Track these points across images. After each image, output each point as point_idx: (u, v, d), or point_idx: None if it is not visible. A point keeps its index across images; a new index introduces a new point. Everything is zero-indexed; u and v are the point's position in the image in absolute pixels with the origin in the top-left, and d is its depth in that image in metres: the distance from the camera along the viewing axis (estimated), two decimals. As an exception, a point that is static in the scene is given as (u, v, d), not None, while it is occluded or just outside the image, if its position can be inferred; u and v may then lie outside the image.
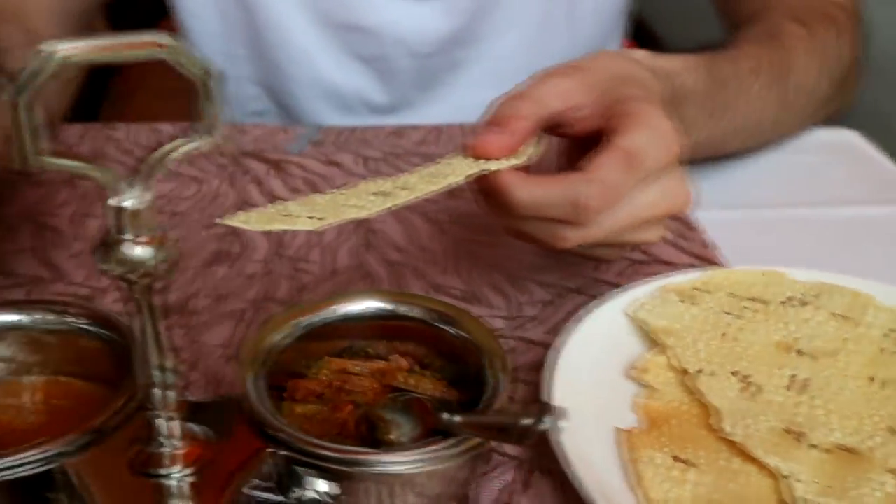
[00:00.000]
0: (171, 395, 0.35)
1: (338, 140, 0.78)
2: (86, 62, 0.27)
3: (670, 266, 0.61)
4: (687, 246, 0.64)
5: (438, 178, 0.46)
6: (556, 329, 0.54)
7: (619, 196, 0.48)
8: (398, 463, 0.36)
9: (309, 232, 0.63)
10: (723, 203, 0.68)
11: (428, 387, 0.44)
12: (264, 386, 0.40)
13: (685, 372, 0.47)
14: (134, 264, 0.31)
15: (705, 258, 0.62)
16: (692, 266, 0.61)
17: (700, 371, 0.47)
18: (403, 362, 0.45)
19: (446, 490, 0.39)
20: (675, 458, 0.42)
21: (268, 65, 0.89)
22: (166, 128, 0.79)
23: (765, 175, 0.74)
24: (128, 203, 0.30)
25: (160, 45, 0.28)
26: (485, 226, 0.65)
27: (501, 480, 0.44)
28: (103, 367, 0.43)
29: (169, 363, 0.34)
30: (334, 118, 0.90)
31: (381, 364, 0.45)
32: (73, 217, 0.65)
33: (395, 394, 0.43)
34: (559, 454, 0.41)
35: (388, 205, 0.43)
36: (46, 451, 0.35)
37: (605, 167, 0.47)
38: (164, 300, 0.53)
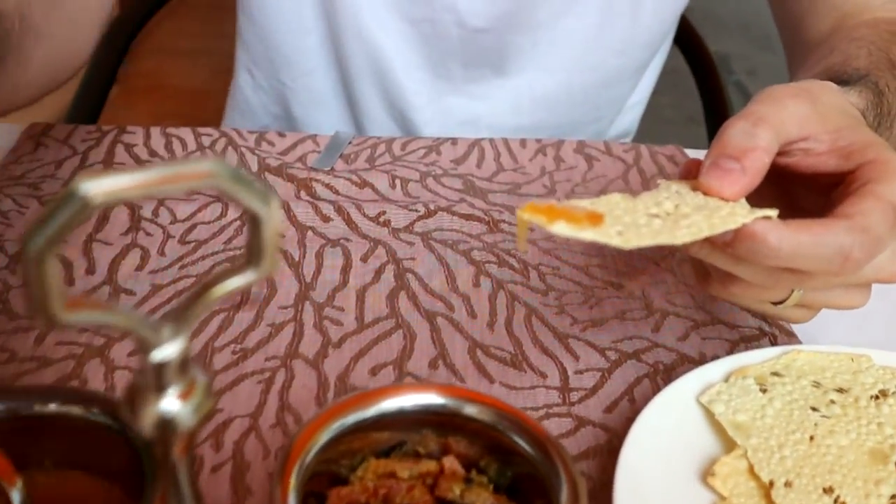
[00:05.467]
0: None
1: (371, 155, 0.72)
2: (127, 200, 0.22)
3: (735, 329, 0.56)
4: (753, 303, 0.59)
5: (713, 215, 0.41)
6: (616, 408, 0.50)
7: (879, 252, 0.43)
8: None
9: (338, 270, 0.58)
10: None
11: (485, 501, 0.39)
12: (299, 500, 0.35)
13: (770, 484, 0.42)
14: (172, 423, 0.26)
15: (773, 321, 0.57)
16: (760, 330, 0.56)
17: (787, 484, 0.41)
18: (458, 468, 0.40)
19: None
20: None
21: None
22: (187, 135, 0.73)
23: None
24: (165, 355, 0.25)
25: (212, 175, 0.23)
26: (527, 266, 0.60)
27: None
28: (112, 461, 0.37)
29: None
30: (368, 87, 0.84)
31: (432, 466, 0.40)
32: (84, 248, 0.60)
33: (449, 512, 0.38)
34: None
35: (692, 237, 0.39)
36: None
37: (872, 216, 0.42)
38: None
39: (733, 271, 0.45)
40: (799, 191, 0.49)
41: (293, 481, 0.36)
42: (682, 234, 0.38)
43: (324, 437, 0.38)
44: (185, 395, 0.26)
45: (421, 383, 0.44)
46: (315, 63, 0.85)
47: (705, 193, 0.43)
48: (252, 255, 0.25)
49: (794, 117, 0.45)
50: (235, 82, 0.92)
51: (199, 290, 0.25)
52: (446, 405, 0.40)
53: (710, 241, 0.42)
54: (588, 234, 0.37)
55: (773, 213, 0.42)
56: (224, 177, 0.23)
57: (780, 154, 0.45)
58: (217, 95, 0.94)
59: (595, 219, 0.38)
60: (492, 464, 0.41)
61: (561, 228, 0.37)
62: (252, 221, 0.24)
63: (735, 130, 0.44)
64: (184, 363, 0.25)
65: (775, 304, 0.48)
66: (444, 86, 0.84)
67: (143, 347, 0.24)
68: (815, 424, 0.45)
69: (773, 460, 0.43)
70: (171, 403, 0.25)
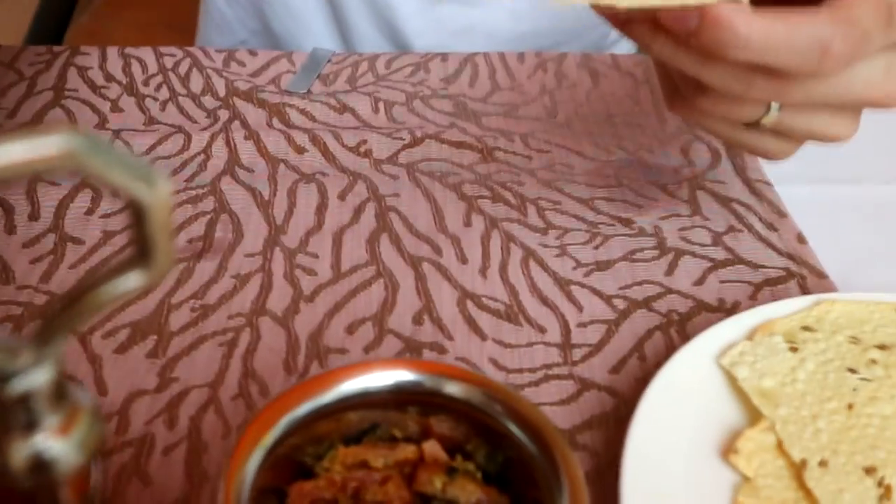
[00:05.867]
0: None
1: (352, 75, 0.65)
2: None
3: (759, 270, 0.50)
4: (777, 239, 0.52)
5: None
6: (623, 367, 0.44)
7: (866, 52, 0.37)
8: None
9: (313, 209, 0.52)
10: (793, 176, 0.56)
11: (471, 495, 0.33)
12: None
13: (803, 464, 0.36)
14: (51, 466, 0.20)
15: (801, 259, 0.51)
16: (786, 271, 0.50)
17: (822, 464, 0.36)
18: (441, 453, 0.34)
19: None
20: None
21: None
22: (147, 56, 0.66)
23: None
24: (29, 385, 0.19)
25: (70, 156, 0.16)
26: (524, 201, 0.54)
27: None
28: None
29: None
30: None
31: (410, 453, 0.35)
32: (28, 189, 0.53)
33: (429, 510, 0.32)
34: None
35: None
36: None
37: (860, 8, 0.36)
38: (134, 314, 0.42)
39: (699, 74, 0.39)
40: None
41: (241, 477, 0.31)
42: None
43: (281, 425, 0.33)
44: (64, 429, 0.20)
45: (397, 360, 0.38)
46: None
47: None
48: (139, 251, 0.19)
49: None
50: None
51: (68, 299, 0.19)
52: (423, 384, 0.34)
53: (672, 35, 0.37)
54: None
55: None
56: (86, 155, 0.16)
57: None
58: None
59: None
60: (480, 448, 0.35)
61: None
62: (133, 210, 0.18)
63: None
64: (58, 389, 0.19)
65: (750, 127, 0.42)
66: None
67: (1, 377, 0.18)
68: (854, 389, 0.39)
69: (805, 434, 0.37)
70: (47, 442, 0.19)
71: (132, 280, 0.19)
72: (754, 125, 0.41)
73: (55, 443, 0.19)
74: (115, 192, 0.17)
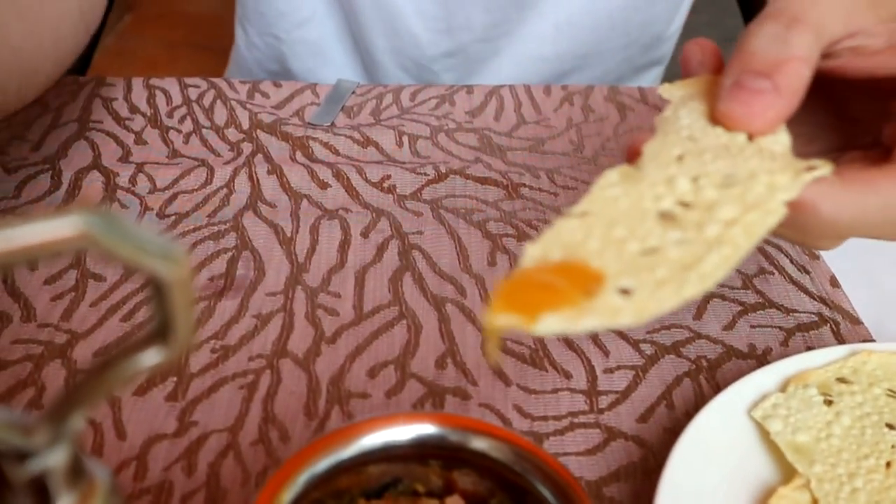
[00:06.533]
0: None
1: (376, 107, 0.64)
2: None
3: (790, 315, 0.49)
4: (809, 283, 0.51)
5: (747, 193, 0.31)
6: (651, 415, 0.43)
7: None
8: None
9: (335, 247, 0.51)
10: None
11: (497, 555, 0.32)
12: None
13: (839, 526, 0.35)
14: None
15: (834, 304, 0.49)
16: (819, 316, 0.49)
17: (860, 526, 0.35)
18: (464, 510, 0.33)
19: None
20: None
21: None
22: (172, 87, 0.65)
23: None
24: (48, 462, 0.18)
25: (86, 237, 0.16)
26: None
27: None
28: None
29: None
30: (376, 36, 0.75)
31: (433, 509, 0.34)
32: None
33: (453, 573, 0.31)
34: None
35: (728, 267, 0.29)
36: None
37: None
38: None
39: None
40: (848, 96, 0.40)
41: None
42: (713, 265, 0.28)
43: (301, 481, 0.32)
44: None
45: (419, 413, 0.37)
46: (309, 11, 0.76)
47: (726, 126, 0.34)
48: (159, 327, 0.18)
49: (836, 9, 0.35)
50: (235, 38, 0.83)
51: (86, 376, 0.18)
52: (447, 437, 0.33)
53: None
54: (587, 323, 0.27)
55: (826, 170, 0.32)
56: (103, 235, 0.16)
57: (822, 58, 0.35)
58: (229, 24, 0.85)
59: (591, 281, 0.28)
60: (505, 502, 0.34)
61: (550, 325, 0.26)
62: (154, 286, 0.17)
63: (762, 36, 0.34)
64: (75, 467, 0.19)
65: None
66: (464, 36, 0.75)
67: (15, 456, 0.18)
68: (893, 447, 0.37)
69: (842, 494, 0.36)
70: (64, 523, 0.19)
71: (152, 357, 0.18)
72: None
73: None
74: (135, 269, 0.17)
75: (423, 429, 0.34)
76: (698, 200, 0.31)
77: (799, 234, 0.36)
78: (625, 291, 0.28)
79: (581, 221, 0.31)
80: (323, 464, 0.32)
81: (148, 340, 0.18)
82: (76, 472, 0.19)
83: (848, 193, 0.33)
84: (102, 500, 0.19)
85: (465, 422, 0.34)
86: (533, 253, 0.30)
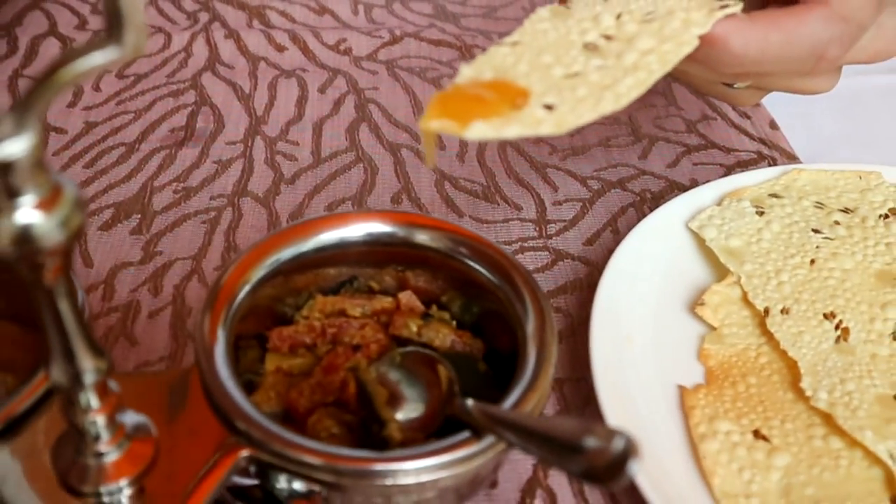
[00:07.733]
0: (95, 400, 0.25)
1: (331, -21, 0.65)
2: None
3: (731, 154, 0.51)
4: (749, 126, 0.53)
5: (664, 28, 0.33)
6: (597, 239, 0.45)
7: (859, 39, 0.36)
8: (403, 473, 0.27)
9: (293, 102, 0.52)
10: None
11: (446, 337, 0.34)
12: (233, 343, 0.31)
13: (766, 312, 0.37)
14: (33, 239, 0.21)
15: (773, 143, 0.52)
16: (758, 154, 0.51)
17: (784, 311, 0.37)
18: (416, 303, 0.36)
19: (468, 490, 0.31)
20: (756, 434, 0.33)
21: None
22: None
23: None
24: (13, 151, 0.20)
25: None
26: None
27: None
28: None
29: (92, 362, 0.25)
30: None
31: (386, 303, 0.36)
32: (10, 83, 0.54)
33: (403, 350, 0.34)
34: (606, 419, 0.33)
35: (641, 89, 0.31)
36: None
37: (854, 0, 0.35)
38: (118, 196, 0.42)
39: (686, 70, 0.38)
40: None
41: (224, 316, 0.32)
42: (628, 87, 0.31)
43: (260, 271, 0.34)
44: (46, 205, 0.21)
45: (366, 210, 0.39)
46: None
47: None
48: (111, 27, 0.19)
49: None
50: None
51: (48, 70, 0.20)
52: (395, 233, 0.35)
53: None
54: (512, 131, 0.29)
55: (737, 7, 0.35)
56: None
57: None
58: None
59: (518, 96, 0.30)
60: (455, 299, 0.36)
61: (479, 131, 0.29)
62: (103, -23, 0.19)
63: None
64: (38, 164, 0.20)
65: (725, 84, 0.41)
66: None
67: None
68: (817, 247, 0.40)
69: (768, 287, 0.38)
70: (29, 214, 0.20)
71: (106, 54, 0.20)
72: (729, 84, 0.40)
73: (37, 216, 0.20)
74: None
75: (375, 226, 0.35)
76: (620, 34, 0.34)
77: (712, 71, 0.38)
78: (548, 107, 0.30)
79: (512, 49, 0.34)
80: (284, 254, 0.34)
81: (103, 40, 0.20)
82: (39, 171, 0.20)
83: (754, 30, 0.35)
84: (68, 207, 0.21)
85: (414, 217, 0.36)
86: (467, 72, 0.32)
